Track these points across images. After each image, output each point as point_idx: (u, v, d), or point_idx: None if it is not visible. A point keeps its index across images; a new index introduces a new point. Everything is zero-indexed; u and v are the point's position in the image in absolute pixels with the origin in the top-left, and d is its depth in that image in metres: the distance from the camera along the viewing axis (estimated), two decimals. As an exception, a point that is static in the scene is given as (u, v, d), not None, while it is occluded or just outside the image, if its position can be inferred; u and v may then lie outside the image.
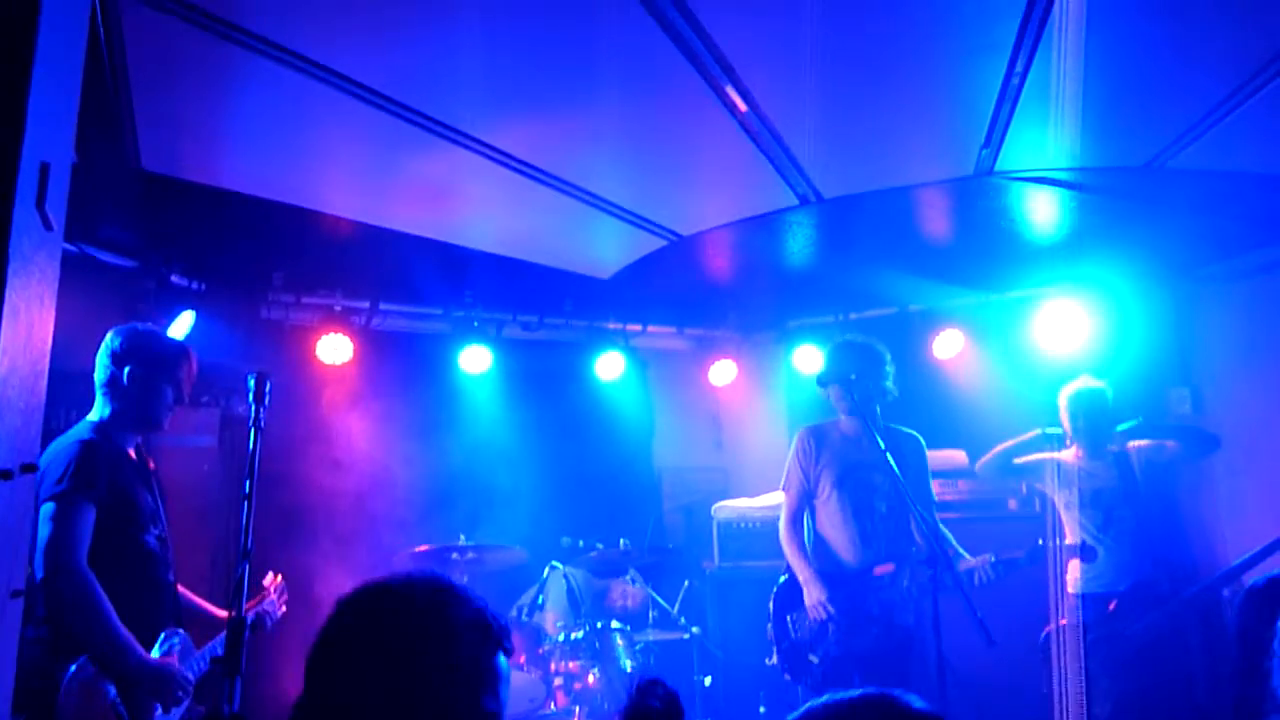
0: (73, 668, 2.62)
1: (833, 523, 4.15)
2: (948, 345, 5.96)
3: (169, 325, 4.81)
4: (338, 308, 5.61)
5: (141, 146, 3.82)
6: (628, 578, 5.13)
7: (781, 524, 4.24)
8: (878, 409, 4.17)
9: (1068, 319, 5.37)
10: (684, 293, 6.21)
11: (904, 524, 4.06)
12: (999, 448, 4.76)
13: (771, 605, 4.17)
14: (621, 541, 5.00)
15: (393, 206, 4.65)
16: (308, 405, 5.36)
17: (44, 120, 1.92)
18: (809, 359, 6.29)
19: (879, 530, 4.05)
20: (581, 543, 5.16)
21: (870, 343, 4.30)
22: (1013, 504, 5.12)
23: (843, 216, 4.71)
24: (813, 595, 4.04)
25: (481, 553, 4.75)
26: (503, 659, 1.48)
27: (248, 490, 2.43)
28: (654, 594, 4.95)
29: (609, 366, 6.24)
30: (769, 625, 4.16)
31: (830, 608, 4.00)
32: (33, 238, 1.92)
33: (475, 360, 5.86)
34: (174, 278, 5.03)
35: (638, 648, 4.70)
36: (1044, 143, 3.81)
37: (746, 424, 6.79)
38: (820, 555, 4.15)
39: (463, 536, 4.69)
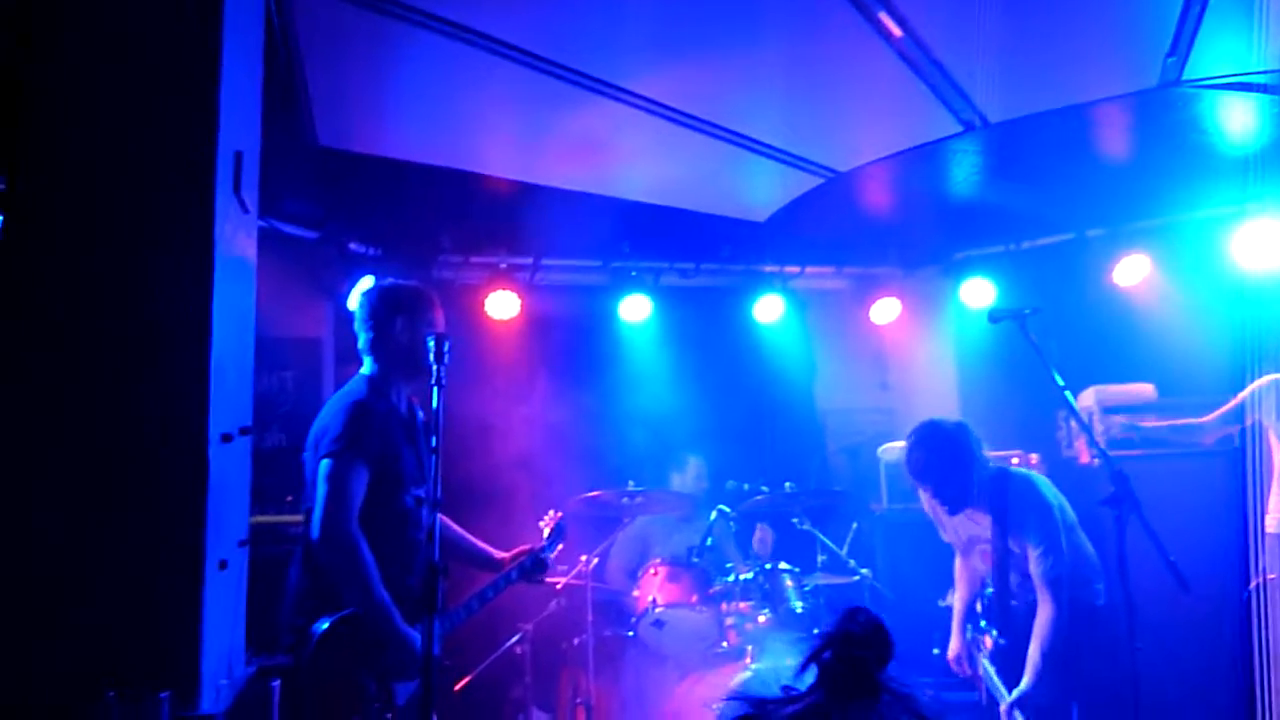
0: (324, 623, 2.79)
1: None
2: (1131, 271, 5.59)
3: (350, 290, 5.14)
4: (503, 265, 5.82)
5: (317, 124, 4.07)
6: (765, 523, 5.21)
7: None
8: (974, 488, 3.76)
9: (1271, 236, 4.93)
10: (842, 231, 6.09)
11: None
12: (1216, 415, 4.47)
13: None
14: (786, 485, 5.00)
15: (549, 163, 4.77)
16: (479, 360, 5.60)
17: (234, 112, 2.09)
18: (978, 292, 6.05)
19: (1007, 592, 3.86)
20: (746, 486, 5.20)
21: (939, 438, 3.81)
22: (1208, 439, 4.78)
23: (1012, 141, 4.48)
24: (951, 647, 4.12)
25: (650, 498, 4.88)
26: None
27: (435, 444, 2.57)
28: (822, 536, 4.95)
29: (768, 310, 6.21)
30: None
31: (961, 668, 4.05)
32: (233, 221, 2.11)
33: (635, 309, 5.96)
34: (352, 245, 5.35)
35: (807, 589, 4.72)
36: (1240, 45, 3.49)
37: (912, 363, 6.62)
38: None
39: (631, 482, 4.83)
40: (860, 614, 0.95)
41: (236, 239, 2.15)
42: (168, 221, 1.87)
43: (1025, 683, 3.57)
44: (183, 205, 1.88)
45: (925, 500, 4.07)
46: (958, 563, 4.17)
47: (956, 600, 4.15)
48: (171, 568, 1.74)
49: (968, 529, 3.94)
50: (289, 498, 4.73)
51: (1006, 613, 3.81)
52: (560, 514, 3.74)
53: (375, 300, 3.15)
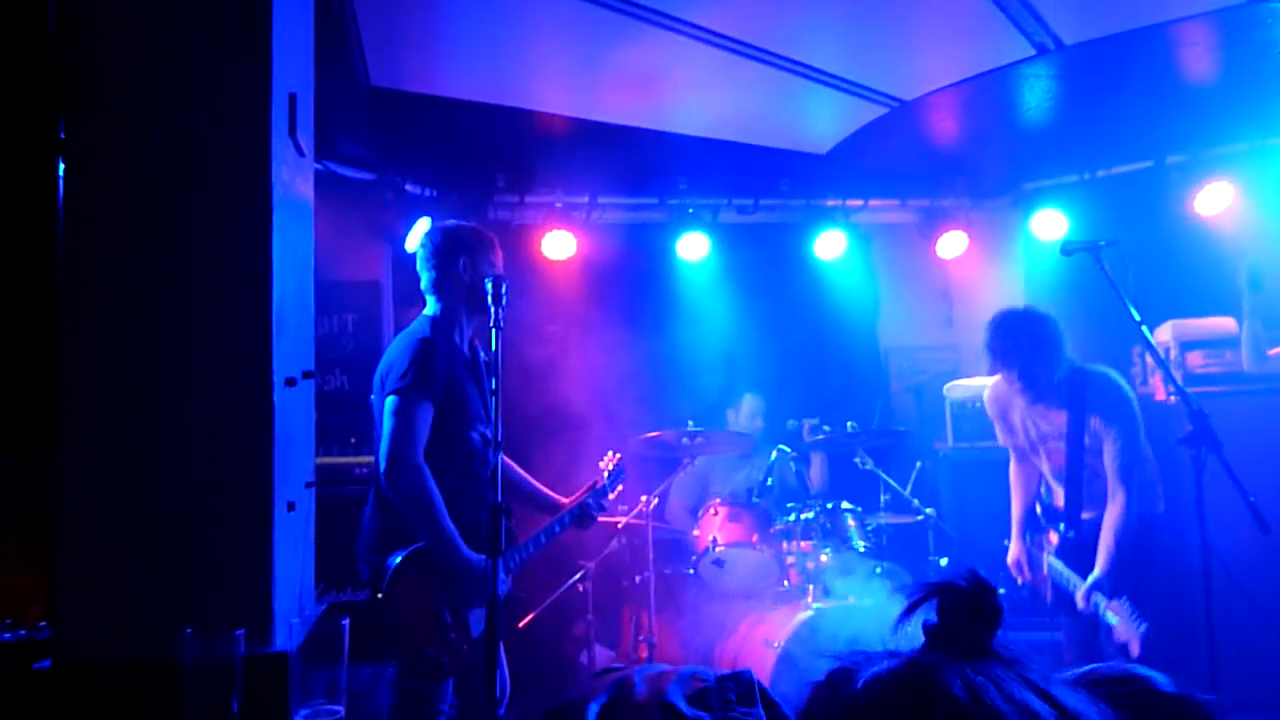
0: (398, 557, 2.91)
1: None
2: (1214, 200, 5.36)
3: (407, 232, 5.17)
4: (559, 204, 5.79)
5: (369, 63, 4.06)
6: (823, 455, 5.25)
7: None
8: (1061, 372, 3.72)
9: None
10: (907, 162, 5.93)
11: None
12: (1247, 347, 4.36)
13: None
14: (849, 424, 4.97)
15: (604, 99, 4.71)
16: (537, 301, 5.62)
17: (287, 54, 2.08)
18: (1049, 224, 5.86)
19: (1079, 486, 3.82)
20: (806, 424, 5.18)
21: (1030, 320, 3.76)
22: (1292, 374, 4.60)
23: (1087, 64, 4.30)
24: (1011, 552, 4.04)
25: (710, 437, 4.89)
26: None
27: (494, 387, 2.60)
28: (885, 475, 4.92)
29: (829, 245, 6.11)
30: None
31: (1021, 573, 4.00)
32: (289, 166, 2.11)
33: (693, 247, 5.91)
34: (408, 186, 5.37)
35: (869, 528, 4.72)
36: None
37: (980, 298, 6.45)
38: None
39: (691, 422, 4.83)
40: (969, 571, 0.88)
41: (294, 183, 2.16)
42: (224, 169, 1.88)
43: (1100, 568, 3.59)
44: (238, 151, 1.89)
45: (995, 394, 4.02)
46: (1014, 469, 4.14)
47: (1015, 505, 4.12)
48: (242, 510, 1.79)
49: (1037, 426, 3.90)
50: (352, 439, 4.85)
51: (1078, 507, 3.80)
52: (619, 455, 3.83)
53: (437, 240, 3.20)
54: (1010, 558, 4.07)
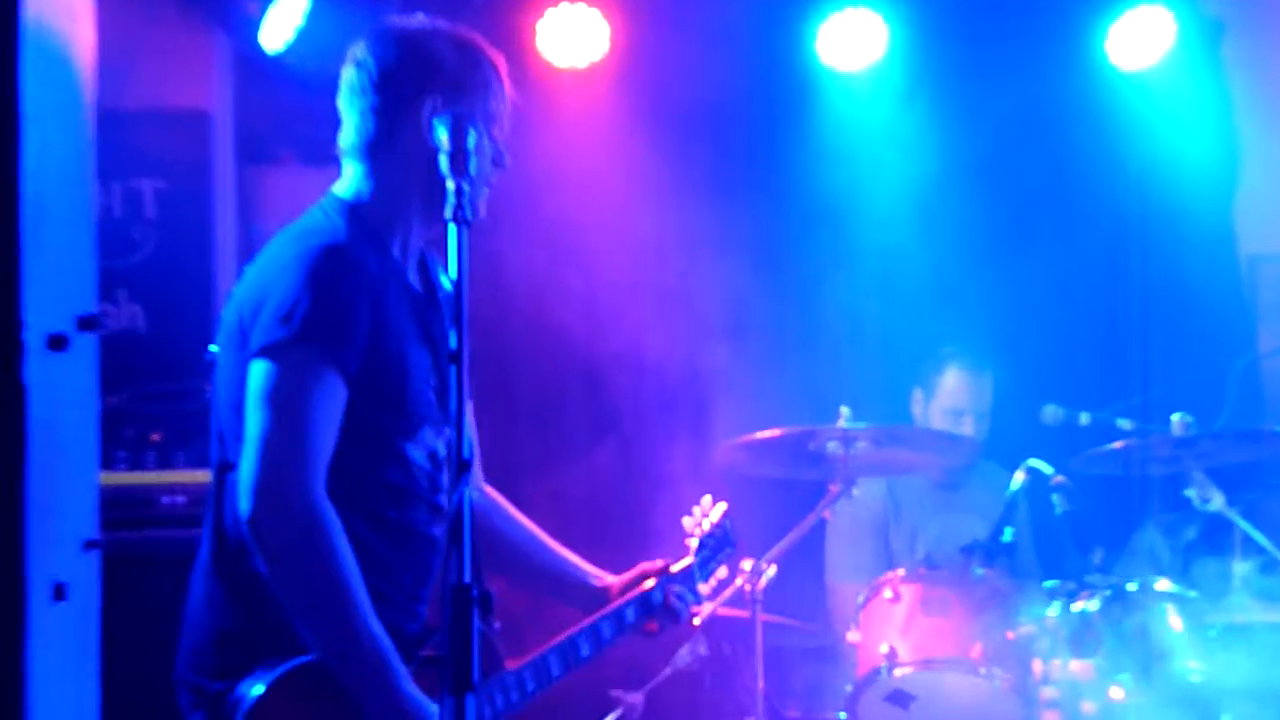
0: (259, 685, 2.88)
1: None
2: None
3: (264, 11, 5.18)
4: (572, -47, 5.82)
5: None
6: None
7: None
8: None
9: None
10: None
11: None
12: None
13: None
14: (1174, 417, 4.95)
15: None
16: (525, 158, 5.62)
17: None
18: None
19: None
20: (1085, 417, 5.18)
21: None
22: None
23: None
24: None
25: (883, 441, 4.90)
26: None
27: (457, 346, 2.60)
28: (1245, 525, 4.91)
29: (1134, 40, 6.15)
30: None
31: None
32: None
33: (851, 42, 5.99)
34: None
35: (1211, 634, 4.72)
36: None
37: None
38: None
39: (845, 412, 4.83)
40: None
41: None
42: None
43: None
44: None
45: None
46: None
47: None
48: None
49: None
50: (155, 435, 4.91)
51: None
52: (724, 507, 3.84)
53: (379, 59, 3.18)
54: None
